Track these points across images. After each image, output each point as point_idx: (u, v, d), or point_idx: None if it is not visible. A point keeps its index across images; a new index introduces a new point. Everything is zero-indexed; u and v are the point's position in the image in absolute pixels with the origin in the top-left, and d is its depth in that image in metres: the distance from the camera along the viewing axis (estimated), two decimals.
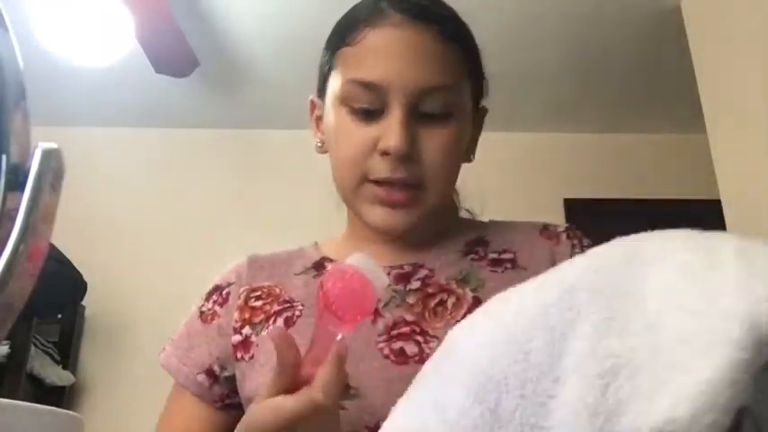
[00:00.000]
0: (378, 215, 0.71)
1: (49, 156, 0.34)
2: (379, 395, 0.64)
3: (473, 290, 0.71)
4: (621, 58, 2.57)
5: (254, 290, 0.77)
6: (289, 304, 0.73)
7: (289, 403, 0.51)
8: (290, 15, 2.38)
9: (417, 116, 0.69)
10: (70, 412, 0.39)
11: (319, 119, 0.80)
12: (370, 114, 0.69)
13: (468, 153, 0.77)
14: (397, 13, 0.69)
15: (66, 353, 2.60)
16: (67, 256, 2.33)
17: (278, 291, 0.76)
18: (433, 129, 0.69)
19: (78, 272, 2.40)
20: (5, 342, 2.13)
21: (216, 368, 0.75)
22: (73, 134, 2.78)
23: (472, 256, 0.76)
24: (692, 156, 2.60)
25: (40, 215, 0.33)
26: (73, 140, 2.53)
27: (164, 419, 0.79)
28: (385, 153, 0.68)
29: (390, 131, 0.67)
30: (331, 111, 0.73)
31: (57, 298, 2.27)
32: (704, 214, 2.03)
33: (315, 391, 0.50)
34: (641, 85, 2.76)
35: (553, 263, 0.73)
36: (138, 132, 3.05)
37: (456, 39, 0.71)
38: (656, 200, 2.92)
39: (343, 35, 0.73)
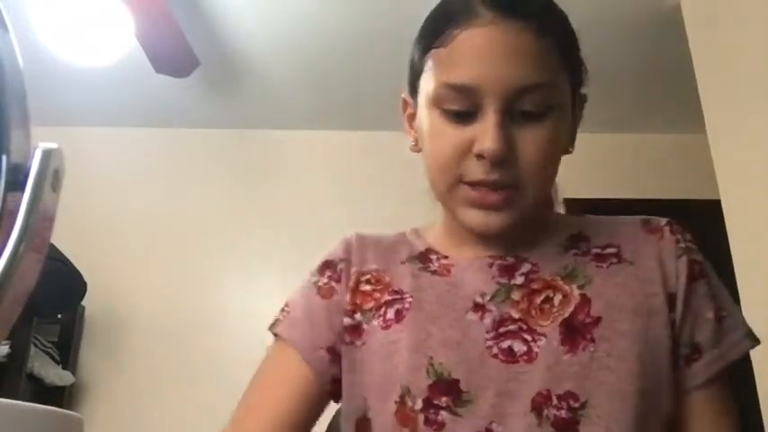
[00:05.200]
0: (472, 217, 0.69)
1: (48, 156, 0.34)
2: (488, 396, 0.65)
3: (580, 287, 0.70)
4: (621, 57, 2.57)
5: (363, 273, 0.77)
6: (399, 296, 0.73)
7: None
8: (290, 15, 2.38)
9: (514, 116, 0.67)
10: (70, 412, 0.39)
11: (411, 117, 0.78)
12: (464, 116, 0.68)
13: (567, 145, 0.75)
14: (489, 11, 0.67)
15: (66, 353, 2.60)
16: (67, 256, 2.33)
17: (387, 279, 0.76)
18: (530, 128, 0.67)
19: (78, 272, 2.39)
20: (5, 342, 2.12)
21: (338, 346, 0.74)
22: (73, 134, 2.77)
23: (575, 251, 0.74)
24: (692, 156, 2.60)
25: (40, 215, 0.33)
26: (73, 140, 2.53)
27: (266, 380, 0.76)
28: (480, 156, 0.66)
29: (485, 134, 0.66)
30: (424, 112, 0.72)
31: (57, 298, 2.26)
32: (704, 214, 2.03)
33: None
34: (641, 85, 2.76)
35: (659, 259, 0.72)
36: (138, 132, 3.05)
37: (550, 32, 0.68)
38: (656, 200, 2.92)
39: (433, 35, 0.70)
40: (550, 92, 0.68)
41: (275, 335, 0.78)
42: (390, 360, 0.69)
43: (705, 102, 1.93)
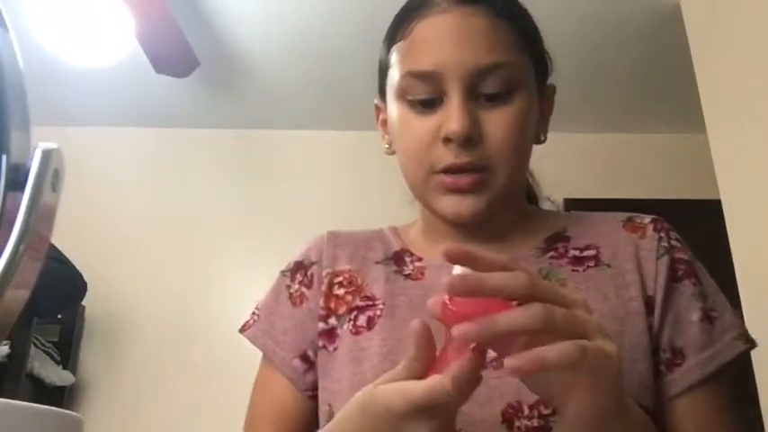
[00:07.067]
0: (447, 204, 0.69)
1: (48, 156, 0.34)
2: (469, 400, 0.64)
3: None
4: (621, 57, 2.57)
5: (336, 274, 0.76)
6: (371, 302, 0.73)
7: (419, 387, 0.48)
8: (290, 15, 2.38)
9: (477, 98, 0.67)
10: (70, 412, 0.39)
11: (385, 122, 0.78)
12: (429, 104, 0.68)
13: (538, 134, 0.76)
14: (443, 0, 0.70)
15: (67, 353, 2.60)
16: (67, 256, 2.33)
17: (359, 281, 0.75)
18: (494, 108, 0.68)
19: (78, 272, 2.40)
20: (5, 342, 2.13)
21: (310, 353, 0.74)
22: (73, 134, 2.78)
23: (551, 253, 0.73)
24: (692, 156, 2.60)
25: (40, 215, 0.33)
26: (73, 140, 2.53)
27: (257, 396, 0.77)
28: (447, 139, 0.66)
29: (450, 117, 0.66)
30: (392, 107, 0.73)
31: (57, 298, 2.27)
32: (704, 214, 2.03)
33: (446, 380, 0.47)
34: (641, 85, 2.76)
35: (638, 259, 0.69)
36: (139, 132, 3.05)
37: (506, 17, 0.70)
38: (656, 200, 2.92)
39: (395, 31, 0.73)
40: (510, 73, 0.68)
41: (252, 338, 0.78)
42: (359, 366, 0.68)
43: (705, 102, 1.93)
